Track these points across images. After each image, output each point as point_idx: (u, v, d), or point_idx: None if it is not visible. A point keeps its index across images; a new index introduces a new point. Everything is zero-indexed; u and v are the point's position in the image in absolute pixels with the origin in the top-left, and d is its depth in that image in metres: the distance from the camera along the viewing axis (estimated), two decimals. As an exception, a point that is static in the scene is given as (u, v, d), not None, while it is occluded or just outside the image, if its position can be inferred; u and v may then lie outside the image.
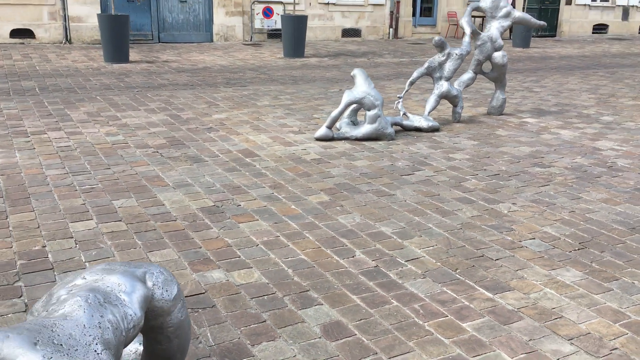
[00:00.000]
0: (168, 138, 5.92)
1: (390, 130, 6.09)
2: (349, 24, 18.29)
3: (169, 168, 4.99)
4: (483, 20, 7.29)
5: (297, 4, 17.12)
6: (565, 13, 21.94)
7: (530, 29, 17.19)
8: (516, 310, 2.92)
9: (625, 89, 9.88)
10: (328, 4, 17.69)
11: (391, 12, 18.73)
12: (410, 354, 2.55)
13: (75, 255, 3.36)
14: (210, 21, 16.17)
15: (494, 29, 7.12)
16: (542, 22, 7.42)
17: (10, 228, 3.69)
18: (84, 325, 1.60)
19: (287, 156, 5.44)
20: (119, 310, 1.71)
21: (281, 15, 13.30)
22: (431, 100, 6.75)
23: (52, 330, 1.55)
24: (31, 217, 3.87)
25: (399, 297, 3.02)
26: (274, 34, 16.86)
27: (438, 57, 6.71)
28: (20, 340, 1.49)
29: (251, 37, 16.51)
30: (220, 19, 16.20)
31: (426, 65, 6.66)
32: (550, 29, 21.49)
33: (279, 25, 16.58)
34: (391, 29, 18.88)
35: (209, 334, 2.65)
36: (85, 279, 1.81)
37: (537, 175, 5.08)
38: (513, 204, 4.38)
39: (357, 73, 6.09)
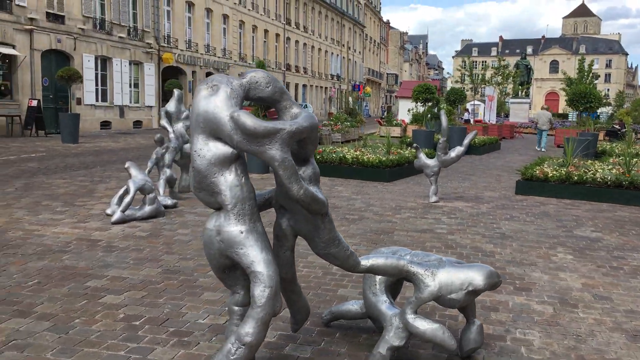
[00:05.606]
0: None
1: (163, 208, 7.45)
2: None
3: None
4: (171, 120, 9.21)
5: None
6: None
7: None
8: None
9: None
10: None
11: None
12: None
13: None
14: None
15: (180, 127, 9.18)
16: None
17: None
18: None
19: (122, 238, 6.25)
20: None
21: None
22: (162, 184, 8.29)
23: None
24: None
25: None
26: None
27: (160, 150, 8.35)
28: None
29: None
30: None
31: (154, 157, 8.24)
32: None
33: None
34: None
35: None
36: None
37: (291, 221, 7.55)
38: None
39: (130, 165, 7.24)
